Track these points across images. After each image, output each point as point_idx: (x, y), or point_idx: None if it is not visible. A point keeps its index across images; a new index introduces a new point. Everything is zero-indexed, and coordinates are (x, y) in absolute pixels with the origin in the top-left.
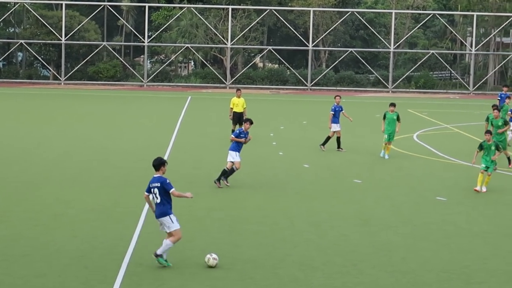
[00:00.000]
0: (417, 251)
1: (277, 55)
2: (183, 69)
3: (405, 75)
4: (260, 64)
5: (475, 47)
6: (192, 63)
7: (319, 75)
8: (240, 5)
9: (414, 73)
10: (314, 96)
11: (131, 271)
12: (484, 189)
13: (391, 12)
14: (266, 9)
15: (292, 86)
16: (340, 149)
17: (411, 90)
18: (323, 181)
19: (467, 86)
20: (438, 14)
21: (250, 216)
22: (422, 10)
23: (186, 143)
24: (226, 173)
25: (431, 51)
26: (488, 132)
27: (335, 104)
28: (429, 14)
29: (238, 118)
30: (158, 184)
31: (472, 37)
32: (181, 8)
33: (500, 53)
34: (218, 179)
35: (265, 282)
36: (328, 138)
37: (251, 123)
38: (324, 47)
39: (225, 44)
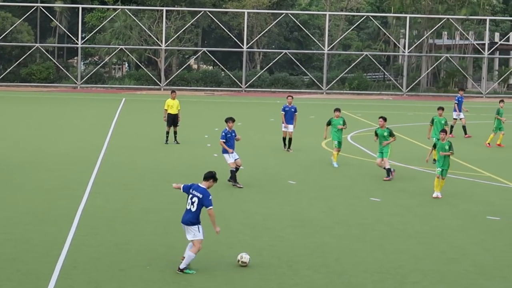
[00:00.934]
0: (352, 252)
1: (212, 57)
2: (117, 71)
3: (339, 77)
4: (195, 66)
5: (408, 48)
6: (126, 64)
7: (254, 77)
8: (174, 6)
9: (348, 75)
10: (248, 98)
11: (64, 274)
12: (439, 195)
13: (325, 14)
14: (200, 11)
15: (227, 88)
16: (289, 150)
17: (345, 91)
18: (258, 183)
19: (401, 88)
20: (372, 16)
21: None
22: (356, 12)
23: (121, 145)
24: (234, 175)
25: (365, 53)
26: (443, 131)
27: (287, 104)
28: (363, 16)
29: (172, 120)
30: (200, 196)
31: (405, 39)
32: (115, 9)
33: (433, 54)
34: (232, 180)
35: (201, 284)
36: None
37: (233, 120)
38: (259, 48)
39: (160, 45)
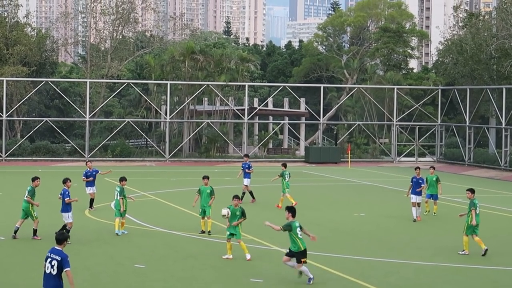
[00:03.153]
0: None
1: None
2: None
3: (101, 144)
4: None
5: (170, 115)
6: None
7: (14, 145)
8: None
9: (110, 142)
10: (9, 167)
11: None
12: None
13: (86, 81)
14: None
15: None
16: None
17: (108, 158)
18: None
19: (163, 154)
20: (133, 83)
21: None
22: (117, 79)
23: None
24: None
25: (127, 120)
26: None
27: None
28: (124, 83)
29: None
30: (59, 258)
31: (166, 105)
32: None
33: (194, 120)
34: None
35: None
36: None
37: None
38: (19, 117)
39: None
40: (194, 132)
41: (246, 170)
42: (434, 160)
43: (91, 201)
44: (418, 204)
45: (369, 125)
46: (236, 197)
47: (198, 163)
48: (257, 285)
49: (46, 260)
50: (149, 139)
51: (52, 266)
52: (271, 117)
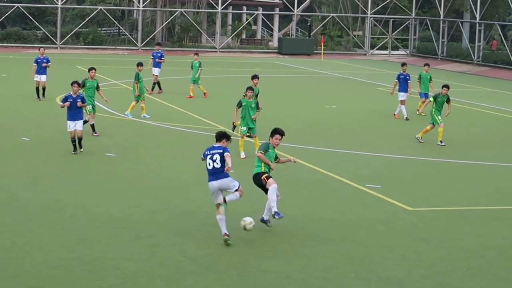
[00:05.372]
0: (87, 208)
1: None
2: None
3: (73, 31)
4: None
5: (143, 3)
6: None
7: None
8: None
9: (82, 29)
10: None
11: None
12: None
13: None
14: None
15: None
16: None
17: (79, 46)
18: None
19: (136, 42)
20: None
21: None
22: None
23: None
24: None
25: (99, 7)
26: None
27: (39, 56)
28: None
29: None
30: (221, 151)
31: None
32: None
33: (167, 9)
34: None
35: None
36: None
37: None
38: None
39: None
40: (167, 21)
41: (157, 60)
42: (407, 53)
43: (43, 90)
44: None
45: (343, 17)
46: (249, 88)
47: (171, 53)
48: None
49: (206, 157)
50: (121, 28)
51: (214, 161)
52: (245, 7)
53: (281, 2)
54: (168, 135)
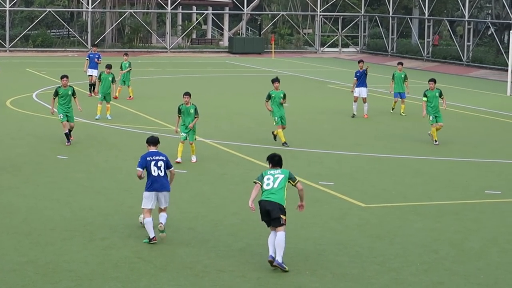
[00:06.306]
0: (40, 211)
1: None
2: None
3: (22, 34)
4: None
5: (92, 4)
6: None
7: None
8: None
9: (31, 32)
10: None
11: None
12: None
13: None
14: None
15: None
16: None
17: (29, 49)
18: None
19: (85, 44)
20: None
21: None
22: None
23: None
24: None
25: (48, 9)
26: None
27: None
28: None
29: None
30: (164, 158)
31: None
32: None
33: (116, 10)
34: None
35: None
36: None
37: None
38: None
39: None
40: (117, 22)
41: (96, 61)
42: (357, 50)
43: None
44: (365, 100)
45: (293, 16)
46: (186, 94)
47: (121, 54)
48: (180, 176)
49: (150, 164)
50: (71, 29)
51: (159, 168)
52: (194, 7)
53: (230, 1)
54: (120, 137)
